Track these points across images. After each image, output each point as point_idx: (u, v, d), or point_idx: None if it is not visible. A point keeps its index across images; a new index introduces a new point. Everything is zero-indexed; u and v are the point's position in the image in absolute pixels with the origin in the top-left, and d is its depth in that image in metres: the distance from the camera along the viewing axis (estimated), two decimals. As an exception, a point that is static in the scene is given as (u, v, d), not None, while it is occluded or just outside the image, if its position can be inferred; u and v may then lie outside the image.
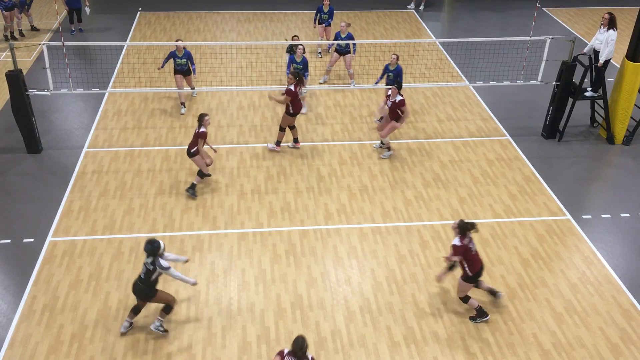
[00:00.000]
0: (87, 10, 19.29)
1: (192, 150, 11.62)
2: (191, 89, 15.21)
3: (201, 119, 11.49)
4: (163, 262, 8.50)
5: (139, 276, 8.66)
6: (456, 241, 8.78)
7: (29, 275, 9.97)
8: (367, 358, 8.70)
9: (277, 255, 10.49)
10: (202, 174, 11.85)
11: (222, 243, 10.77)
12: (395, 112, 12.68)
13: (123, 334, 8.92)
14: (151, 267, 8.48)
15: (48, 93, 13.39)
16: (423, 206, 11.82)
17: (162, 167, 12.77)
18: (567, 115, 14.06)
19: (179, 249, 10.59)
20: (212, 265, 10.28)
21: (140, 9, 21.52)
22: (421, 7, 22.33)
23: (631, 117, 14.17)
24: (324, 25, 17.77)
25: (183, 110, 14.75)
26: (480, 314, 9.23)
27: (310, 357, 7.25)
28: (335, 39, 15.76)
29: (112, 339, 8.87)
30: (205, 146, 11.84)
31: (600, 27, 13.87)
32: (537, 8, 15.57)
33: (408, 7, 22.39)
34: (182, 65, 14.42)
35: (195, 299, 9.59)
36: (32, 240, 10.73)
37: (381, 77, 14.35)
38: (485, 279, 10.06)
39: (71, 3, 18.78)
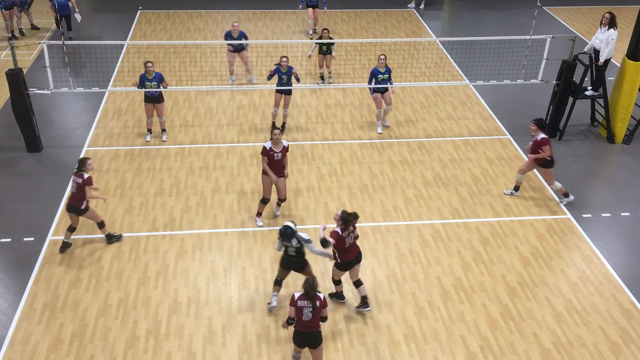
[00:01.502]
0: (78, 17, 18.32)
1: (82, 207, 9.98)
2: (162, 130, 13.66)
3: (83, 164, 9.85)
4: (304, 235, 8.81)
5: (289, 255, 8.94)
6: (338, 229, 8.82)
7: (29, 274, 9.97)
8: (367, 357, 8.70)
9: (277, 254, 10.48)
10: (103, 224, 10.42)
11: (222, 242, 10.77)
12: (536, 152, 11.42)
13: (274, 308, 9.27)
14: (299, 245, 8.81)
15: (48, 92, 13.39)
16: (423, 205, 11.82)
17: (162, 166, 12.77)
18: (567, 114, 14.06)
19: (179, 247, 10.59)
20: (212, 264, 10.29)
21: (140, 7, 21.52)
22: (421, 6, 22.33)
23: (631, 116, 14.16)
24: (312, 7, 18.66)
25: (148, 138, 13.62)
26: (338, 295, 9.51)
27: (322, 297, 7.85)
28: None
29: (112, 337, 8.87)
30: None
31: (600, 26, 13.86)
32: (537, 7, 15.55)
33: (408, 6, 22.38)
34: (153, 92, 13.00)
35: (196, 297, 9.59)
36: (32, 239, 10.73)
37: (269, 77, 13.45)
38: (486, 277, 10.08)
39: (60, 10, 17.98)
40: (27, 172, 12.54)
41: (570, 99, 14.02)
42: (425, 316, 9.37)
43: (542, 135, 11.31)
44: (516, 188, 12.11)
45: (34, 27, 19.52)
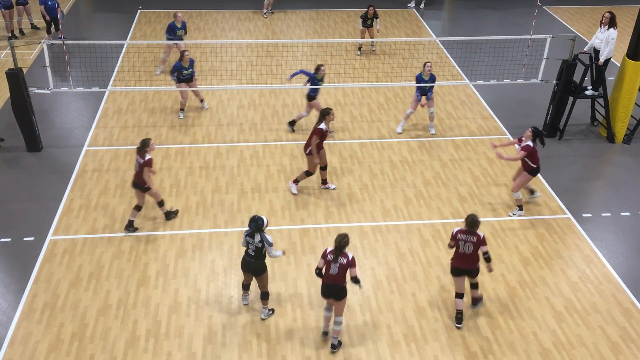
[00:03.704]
0: (60, 16, 18.13)
1: (145, 185, 10.51)
2: (200, 100, 14.95)
3: (146, 144, 10.32)
4: (269, 237, 8.73)
5: (248, 255, 8.82)
6: (456, 229, 8.88)
7: (29, 274, 9.97)
8: (367, 356, 8.70)
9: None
10: (162, 203, 10.92)
11: (223, 242, 10.77)
12: (523, 159, 11.07)
13: (246, 305, 9.41)
14: (260, 245, 8.69)
15: (48, 92, 13.39)
16: (423, 205, 11.82)
17: (162, 166, 12.77)
18: (567, 114, 14.06)
19: (179, 247, 10.59)
20: (212, 263, 10.29)
21: (140, 7, 21.51)
22: (421, 6, 22.32)
23: (631, 116, 14.16)
24: None
25: (181, 115, 14.53)
26: (457, 318, 9.15)
27: (350, 256, 8.24)
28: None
29: (112, 337, 8.87)
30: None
31: (600, 26, 13.87)
32: (537, 6, 15.55)
33: (408, 5, 22.38)
34: (188, 75, 14.17)
35: (196, 297, 9.59)
36: (32, 238, 10.73)
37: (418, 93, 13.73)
38: (486, 277, 10.08)
39: (49, 12, 17.87)
40: (27, 172, 12.54)
41: (570, 99, 14.02)
42: (425, 316, 9.36)
43: (528, 143, 10.89)
44: (520, 207, 11.61)
45: (34, 27, 19.51)
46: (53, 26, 18.37)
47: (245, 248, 8.90)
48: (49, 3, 17.78)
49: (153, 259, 10.33)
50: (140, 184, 10.53)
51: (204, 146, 13.51)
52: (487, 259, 8.86)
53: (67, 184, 12.14)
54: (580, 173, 13.04)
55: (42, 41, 13.27)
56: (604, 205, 12.01)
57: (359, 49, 18.32)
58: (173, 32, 16.15)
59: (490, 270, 9.01)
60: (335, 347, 8.67)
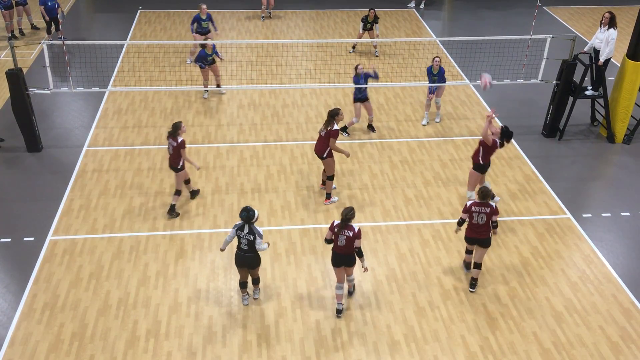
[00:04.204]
0: (61, 16, 18.15)
1: (178, 167, 10.97)
2: (217, 86, 15.49)
3: (178, 127, 10.74)
4: (259, 229, 8.87)
5: (242, 250, 8.95)
6: (469, 202, 9.38)
7: (29, 274, 9.97)
8: (367, 356, 8.70)
9: (277, 254, 10.49)
10: (179, 193, 11.24)
11: (222, 242, 10.76)
12: (477, 151, 11.04)
13: (246, 305, 9.46)
14: (251, 238, 8.81)
15: (48, 92, 13.39)
16: (423, 205, 11.82)
17: (163, 166, 12.76)
18: (567, 114, 14.06)
19: (179, 247, 10.60)
20: (212, 263, 10.29)
21: (140, 7, 21.52)
22: (421, 6, 22.33)
23: (631, 116, 14.16)
24: None
25: (206, 95, 15.46)
26: (466, 265, 10.11)
27: (356, 228, 8.67)
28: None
29: (112, 337, 8.87)
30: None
31: (600, 26, 13.87)
32: (537, 7, 15.55)
33: (408, 5, 22.39)
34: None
35: (196, 297, 9.59)
36: (32, 238, 10.73)
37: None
38: (486, 277, 10.08)
39: (49, 12, 17.83)
40: (27, 172, 12.54)
41: (570, 99, 14.02)
42: (425, 316, 9.37)
43: (496, 138, 10.83)
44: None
45: (34, 27, 19.51)
46: (53, 26, 18.37)
47: (235, 243, 9.00)
48: (49, 3, 17.78)
49: (153, 259, 10.33)
50: (174, 166, 10.95)
51: (204, 146, 13.51)
52: (495, 226, 9.41)
53: (67, 184, 12.15)
54: (580, 173, 13.04)
55: (42, 41, 13.27)
56: (604, 205, 12.01)
57: (353, 47, 18.40)
58: (199, 23, 16.64)
59: (494, 233, 9.55)
60: (352, 293, 9.57)
